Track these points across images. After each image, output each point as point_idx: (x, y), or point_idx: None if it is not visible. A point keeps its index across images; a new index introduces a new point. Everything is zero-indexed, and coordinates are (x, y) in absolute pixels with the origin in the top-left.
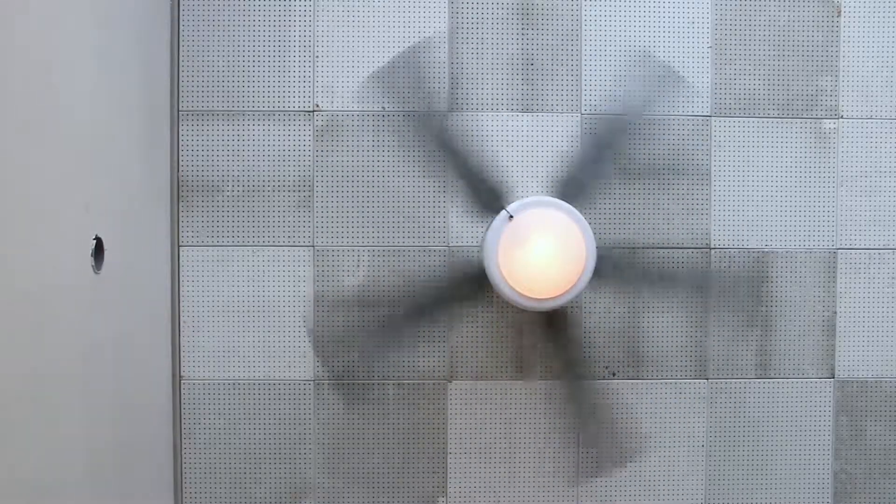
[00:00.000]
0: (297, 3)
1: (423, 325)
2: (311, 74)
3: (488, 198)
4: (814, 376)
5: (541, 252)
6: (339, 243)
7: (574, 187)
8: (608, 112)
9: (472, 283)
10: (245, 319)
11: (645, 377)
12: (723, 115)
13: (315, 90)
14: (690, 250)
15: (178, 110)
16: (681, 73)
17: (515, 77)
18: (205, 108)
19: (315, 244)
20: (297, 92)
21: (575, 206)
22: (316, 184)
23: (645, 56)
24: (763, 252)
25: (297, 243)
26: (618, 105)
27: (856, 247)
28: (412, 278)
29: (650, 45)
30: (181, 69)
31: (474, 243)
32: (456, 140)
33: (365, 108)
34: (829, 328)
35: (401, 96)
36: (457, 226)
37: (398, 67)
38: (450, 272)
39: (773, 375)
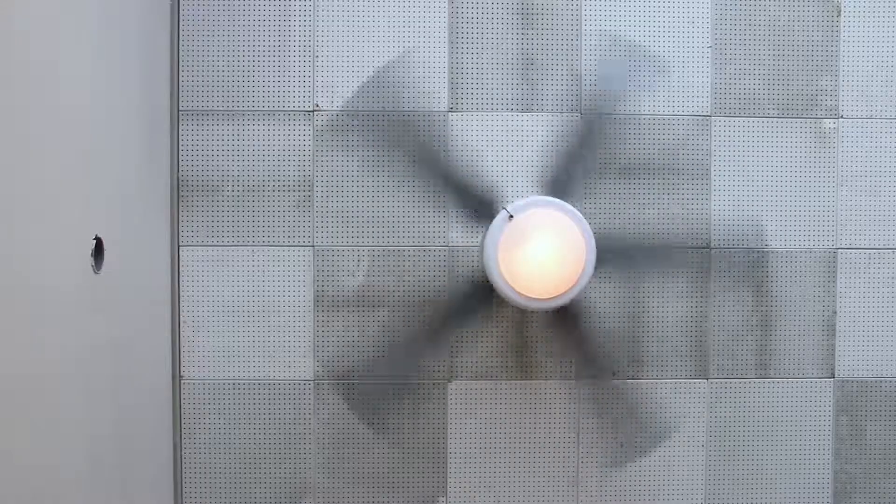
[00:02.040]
0: (297, 3)
1: (439, 343)
2: (311, 74)
3: (479, 208)
4: (814, 376)
5: (541, 252)
6: (339, 243)
7: (559, 185)
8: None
9: (482, 293)
10: (245, 319)
11: (645, 377)
12: (723, 114)
13: (315, 90)
14: (690, 250)
15: (179, 110)
16: (680, 71)
17: (515, 77)
18: (205, 108)
19: (315, 244)
20: (297, 92)
21: (567, 202)
22: (316, 184)
23: (630, 46)
24: (763, 252)
25: (297, 243)
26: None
27: (856, 246)
28: (412, 279)
29: (650, 45)
30: (181, 69)
31: (474, 243)
32: (438, 156)
33: (365, 108)
34: (829, 328)
35: (401, 97)
36: (457, 226)
37: (398, 68)
38: (454, 285)
39: (773, 375)
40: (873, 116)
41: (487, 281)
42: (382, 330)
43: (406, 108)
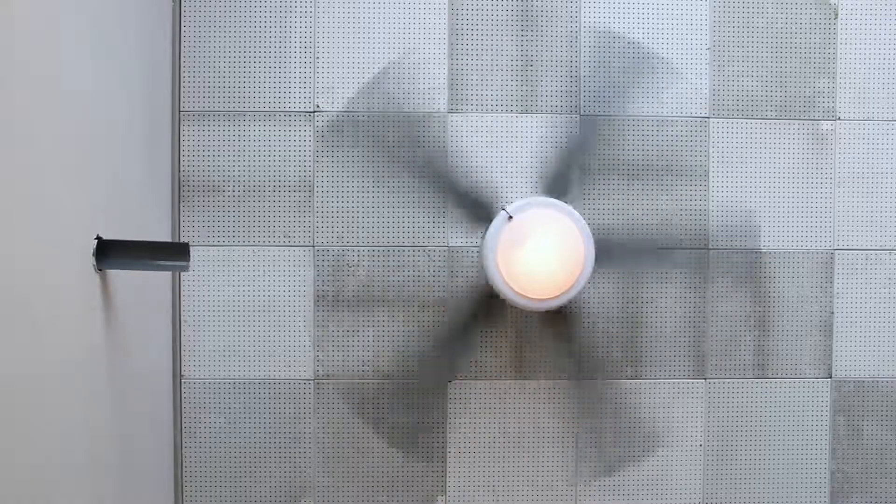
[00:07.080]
0: (298, 3)
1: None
2: (311, 75)
3: (478, 209)
4: (811, 376)
5: (540, 252)
6: (339, 243)
7: (558, 185)
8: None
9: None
10: (245, 319)
11: (643, 377)
12: (721, 116)
13: (315, 91)
14: (688, 251)
15: (180, 110)
16: (679, 73)
17: (515, 78)
18: (206, 109)
19: (315, 244)
20: (297, 92)
21: (566, 203)
22: (316, 184)
23: (629, 48)
24: (761, 252)
25: (297, 243)
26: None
27: (853, 248)
28: (412, 279)
29: (649, 47)
30: (183, 69)
31: (474, 243)
32: (438, 157)
33: (365, 109)
34: (827, 328)
35: (401, 98)
36: (456, 226)
37: (398, 69)
38: (455, 294)
39: (770, 375)
40: (870, 118)
41: (487, 282)
42: (382, 330)
43: (406, 110)
